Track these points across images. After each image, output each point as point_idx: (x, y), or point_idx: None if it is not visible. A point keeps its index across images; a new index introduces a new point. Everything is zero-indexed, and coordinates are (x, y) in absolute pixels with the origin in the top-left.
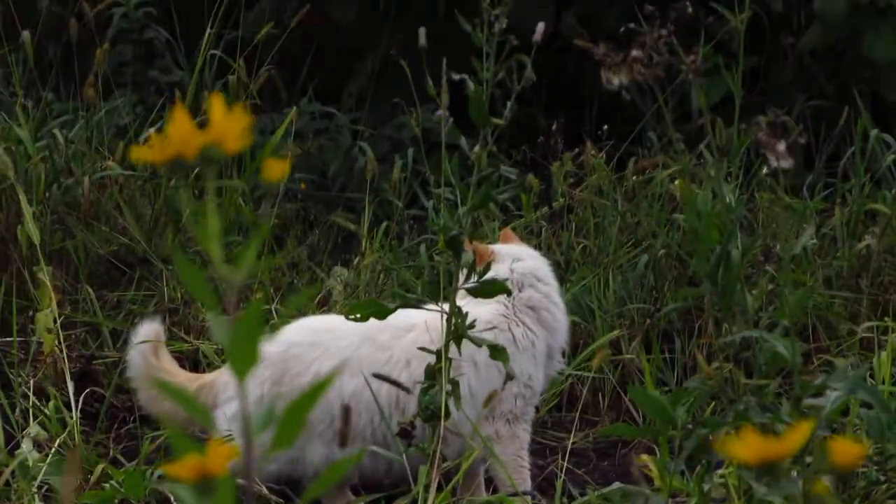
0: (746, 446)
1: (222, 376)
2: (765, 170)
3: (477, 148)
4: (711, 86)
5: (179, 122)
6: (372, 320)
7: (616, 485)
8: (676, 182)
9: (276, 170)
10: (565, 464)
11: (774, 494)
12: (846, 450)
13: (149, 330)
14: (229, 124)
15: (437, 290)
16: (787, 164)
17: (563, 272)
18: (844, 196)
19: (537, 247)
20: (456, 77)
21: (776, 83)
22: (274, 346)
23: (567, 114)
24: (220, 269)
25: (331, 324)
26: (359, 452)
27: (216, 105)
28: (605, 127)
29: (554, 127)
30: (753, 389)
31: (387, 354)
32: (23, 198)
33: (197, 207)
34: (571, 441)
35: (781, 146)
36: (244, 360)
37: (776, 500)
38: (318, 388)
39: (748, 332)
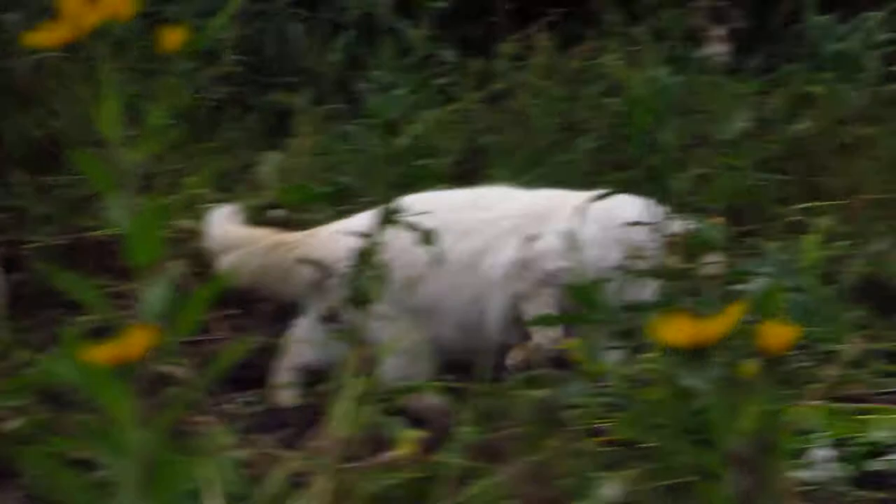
0: (677, 330)
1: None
2: (702, 53)
3: (415, 30)
4: None
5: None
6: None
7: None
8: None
9: (171, 39)
10: None
11: (696, 379)
12: (777, 334)
13: (226, 209)
14: None
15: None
16: (723, 48)
17: (502, 158)
18: (785, 80)
19: (475, 132)
20: None
21: None
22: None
23: None
24: (119, 153)
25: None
26: None
27: None
28: (557, 10)
29: (506, 7)
30: (680, 273)
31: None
32: None
33: (130, 90)
34: None
35: (720, 31)
36: (146, 250)
37: (700, 385)
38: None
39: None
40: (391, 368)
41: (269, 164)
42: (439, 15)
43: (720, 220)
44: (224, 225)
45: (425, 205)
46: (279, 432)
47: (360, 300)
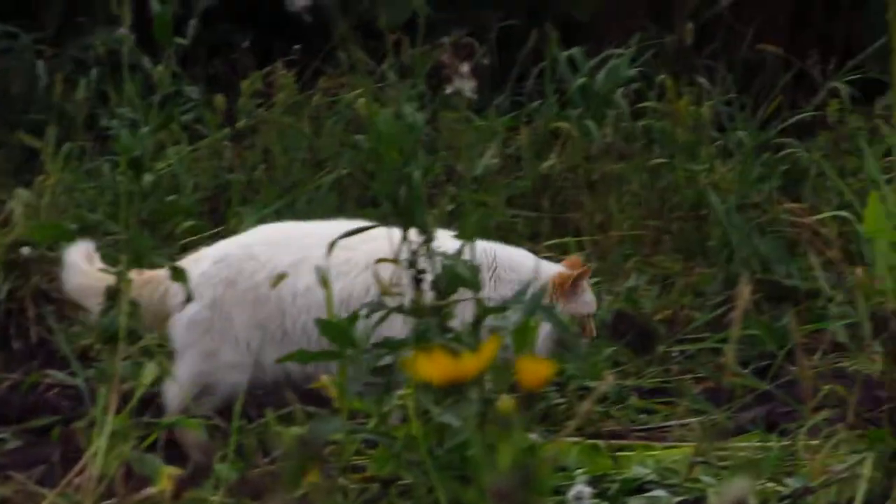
0: (433, 366)
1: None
2: (448, 90)
3: (159, 67)
4: (398, 4)
5: None
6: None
7: (295, 405)
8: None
9: None
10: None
11: (452, 416)
12: (534, 370)
13: (81, 247)
14: None
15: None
16: (469, 85)
17: (249, 194)
18: (531, 116)
19: (221, 168)
20: None
21: (467, 2)
22: (232, 248)
23: (259, 32)
24: None
25: (295, 227)
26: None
27: None
28: (297, 46)
29: (245, 45)
30: (434, 310)
31: (348, 255)
32: None
33: None
34: None
35: (464, 67)
36: None
37: (454, 421)
38: None
39: (431, 252)
40: (174, 400)
41: (18, 201)
42: (182, 52)
43: (578, 258)
44: (84, 268)
45: (287, 238)
46: (36, 469)
47: (109, 337)
